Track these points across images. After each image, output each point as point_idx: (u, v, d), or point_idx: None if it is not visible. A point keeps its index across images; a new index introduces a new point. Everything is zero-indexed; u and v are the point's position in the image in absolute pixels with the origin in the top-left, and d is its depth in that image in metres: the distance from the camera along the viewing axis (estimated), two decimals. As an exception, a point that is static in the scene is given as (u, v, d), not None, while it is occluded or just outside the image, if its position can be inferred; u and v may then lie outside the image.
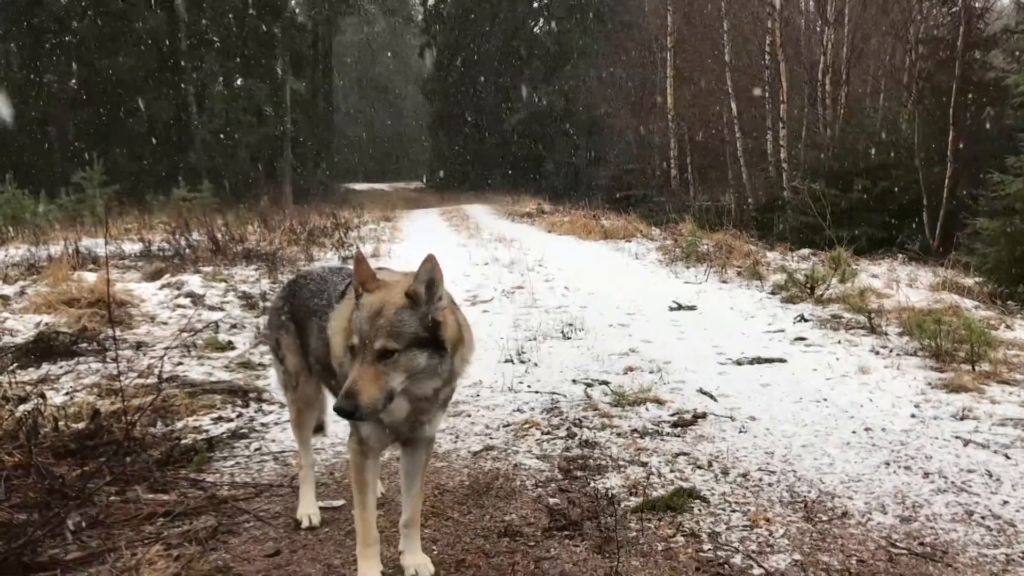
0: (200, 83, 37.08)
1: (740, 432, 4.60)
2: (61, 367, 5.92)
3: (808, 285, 9.16)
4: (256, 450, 4.41)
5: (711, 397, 5.28)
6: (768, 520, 3.45)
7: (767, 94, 21.00)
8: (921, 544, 3.23)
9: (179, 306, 8.44)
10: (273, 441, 4.56)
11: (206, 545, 3.21)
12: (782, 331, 7.42)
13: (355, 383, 2.38)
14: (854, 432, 4.57)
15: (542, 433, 4.65)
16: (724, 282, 10.80)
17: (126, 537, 3.26)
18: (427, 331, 2.50)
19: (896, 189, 16.21)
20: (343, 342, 2.69)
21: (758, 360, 6.27)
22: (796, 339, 7.05)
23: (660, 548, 3.21)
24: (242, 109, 36.48)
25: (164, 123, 34.97)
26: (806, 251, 13.69)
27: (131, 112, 34.04)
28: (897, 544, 3.22)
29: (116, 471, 3.80)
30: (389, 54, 73.11)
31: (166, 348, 5.85)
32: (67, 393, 5.21)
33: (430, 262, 2.52)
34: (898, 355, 6.32)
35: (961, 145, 15.59)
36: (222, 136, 36.29)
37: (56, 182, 24.09)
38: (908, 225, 15.86)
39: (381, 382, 2.41)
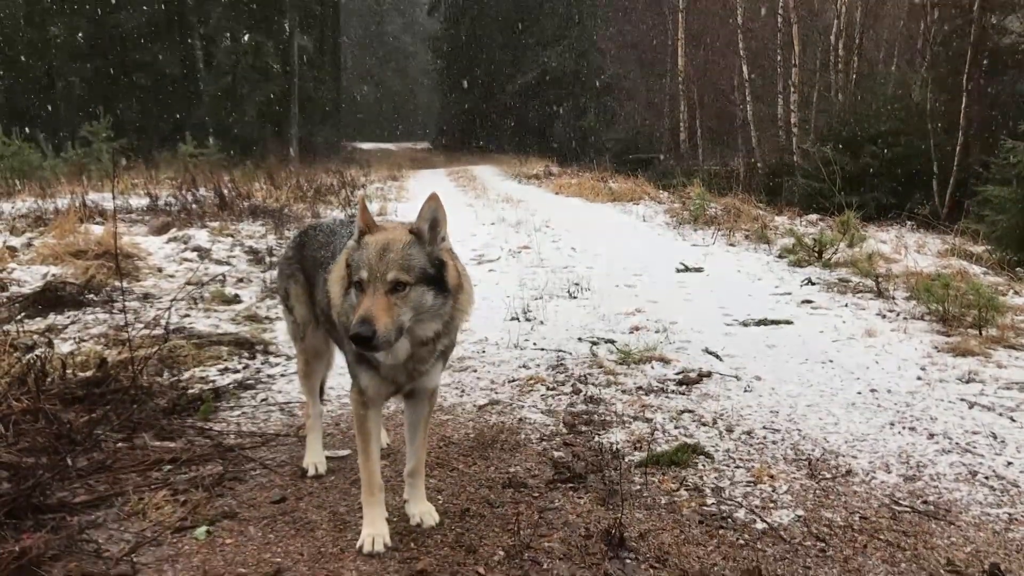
0: (207, 38, 36.72)
1: (745, 391, 4.60)
2: (68, 317, 5.94)
3: (816, 249, 9.10)
4: (262, 400, 4.43)
5: (717, 357, 5.27)
6: (772, 477, 3.46)
7: (779, 57, 20.72)
8: (924, 502, 3.23)
9: (185, 259, 8.45)
10: (279, 392, 4.57)
11: (212, 491, 3.23)
12: (789, 294, 7.39)
13: (369, 310, 2.36)
14: (859, 393, 4.56)
15: (547, 389, 4.66)
16: (732, 245, 10.74)
17: (133, 482, 3.29)
18: (433, 268, 2.53)
19: (906, 156, 16.02)
20: (340, 292, 2.69)
21: (764, 322, 6.26)
22: (803, 302, 7.03)
23: (663, 502, 3.23)
24: (249, 65, 36.10)
25: (171, 79, 34.68)
26: (814, 216, 13.59)
27: (138, 67, 33.75)
28: (900, 502, 3.23)
29: (123, 418, 3.82)
30: (398, 12, 72.27)
31: (172, 300, 5.84)
32: (74, 342, 5.23)
33: (433, 201, 2.58)
34: (905, 319, 6.29)
35: (974, 112, 15.38)
36: (228, 92, 36.00)
37: (63, 136, 23.97)
38: (917, 192, 15.70)
39: (394, 313, 2.41)
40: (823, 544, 2.90)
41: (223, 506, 3.13)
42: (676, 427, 4.04)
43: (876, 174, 15.87)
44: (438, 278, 2.55)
